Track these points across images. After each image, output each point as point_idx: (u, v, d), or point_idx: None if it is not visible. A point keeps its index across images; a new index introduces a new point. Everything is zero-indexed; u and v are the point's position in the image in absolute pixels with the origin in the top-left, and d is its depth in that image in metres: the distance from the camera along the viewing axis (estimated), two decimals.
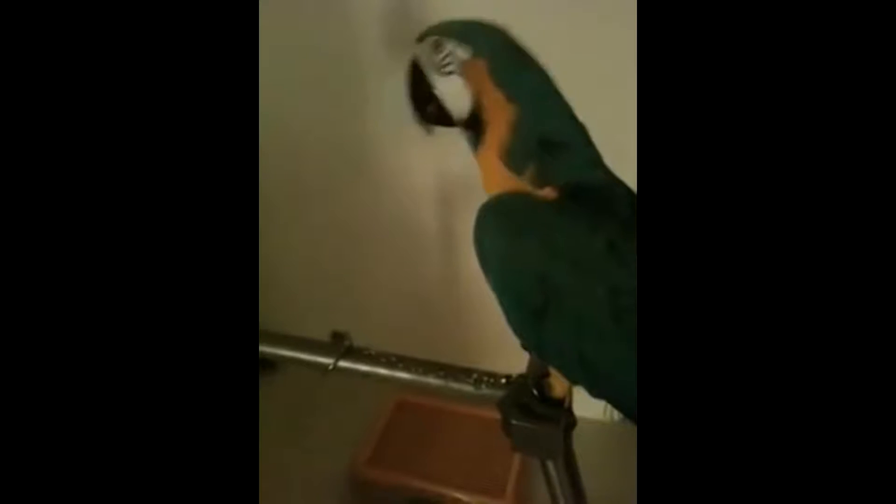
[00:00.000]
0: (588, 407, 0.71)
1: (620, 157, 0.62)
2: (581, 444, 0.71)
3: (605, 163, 0.60)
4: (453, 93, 0.59)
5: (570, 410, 0.67)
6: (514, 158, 0.57)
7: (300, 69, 1.44)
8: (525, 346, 0.62)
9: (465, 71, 0.58)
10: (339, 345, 0.77)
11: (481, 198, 0.58)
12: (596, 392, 0.57)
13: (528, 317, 0.55)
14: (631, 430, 0.54)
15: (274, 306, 1.50)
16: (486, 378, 0.72)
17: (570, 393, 0.68)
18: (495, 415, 0.69)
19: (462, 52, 0.57)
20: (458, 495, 1.35)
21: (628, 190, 0.59)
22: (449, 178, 1.47)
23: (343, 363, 0.76)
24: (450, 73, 0.58)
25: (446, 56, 0.58)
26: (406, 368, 0.75)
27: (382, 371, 0.76)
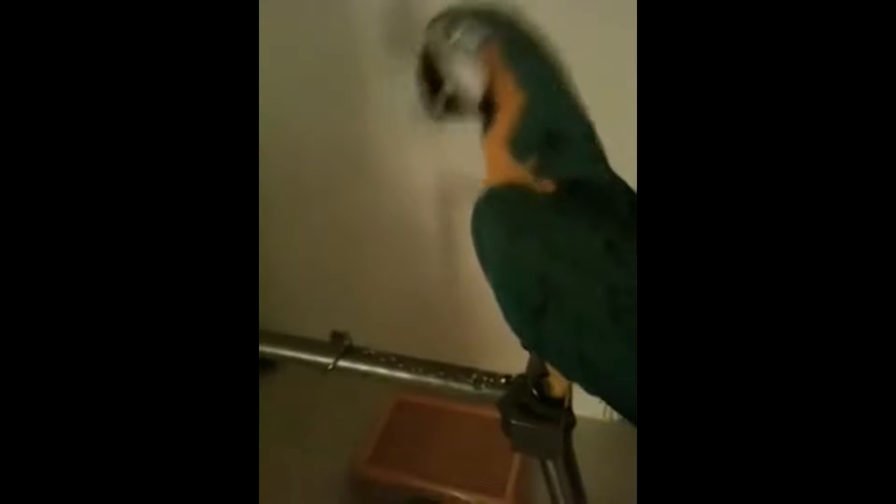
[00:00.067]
0: (588, 407, 0.71)
1: (620, 156, 0.62)
2: (581, 443, 0.71)
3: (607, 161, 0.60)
4: (465, 77, 0.58)
5: (569, 410, 0.67)
6: (518, 147, 0.57)
7: (300, 69, 1.44)
8: (525, 346, 0.62)
9: (477, 55, 0.57)
10: (339, 345, 0.77)
11: None
12: (594, 391, 0.57)
13: (526, 315, 0.55)
14: (631, 430, 0.54)
15: (274, 306, 1.50)
16: (485, 378, 0.72)
17: (569, 392, 0.68)
18: (495, 414, 0.69)
19: (475, 36, 0.57)
20: (458, 494, 1.35)
21: (628, 188, 0.59)
22: (449, 178, 1.47)
23: (343, 363, 0.76)
24: (462, 57, 0.57)
25: (459, 40, 0.57)
26: (406, 368, 0.75)
27: (382, 371, 0.76)
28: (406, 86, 1.39)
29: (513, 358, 0.74)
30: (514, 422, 0.66)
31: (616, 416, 0.60)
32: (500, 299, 0.57)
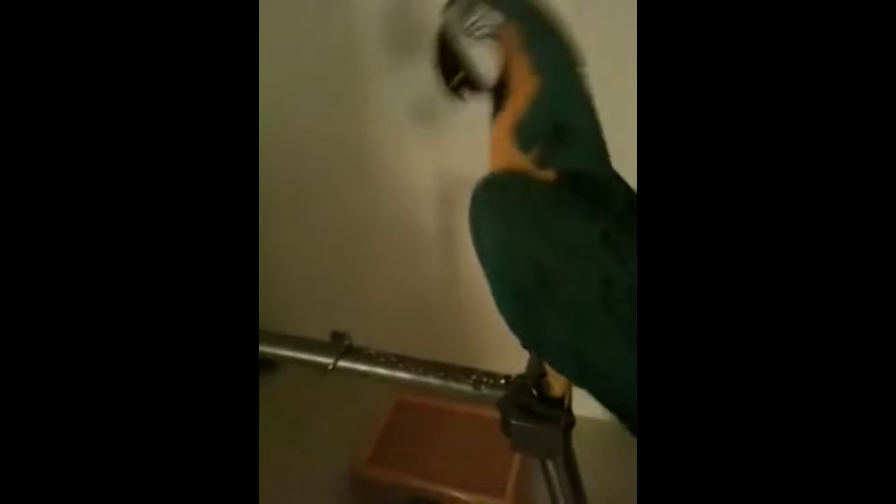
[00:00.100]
0: (588, 407, 0.71)
1: (621, 156, 0.62)
2: (581, 443, 0.71)
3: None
4: (482, 58, 0.58)
5: (569, 410, 0.67)
6: (523, 136, 0.57)
7: (300, 69, 1.44)
8: (524, 345, 0.62)
9: (493, 38, 0.56)
10: (339, 345, 0.77)
11: None
12: (585, 385, 0.58)
13: (520, 304, 0.55)
14: (631, 438, 0.54)
15: (274, 306, 1.50)
16: (485, 378, 0.72)
17: (569, 392, 0.68)
18: (495, 414, 0.69)
19: (494, 16, 0.56)
20: (458, 494, 1.35)
21: (627, 187, 0.59)
22: (449, 178, 1.47)
23: (343, 363, 0.76)
24: (481, 37, 0.57)
25: (477, 20, 0.57)
26: (406, 368, 0.75)
27: (382, 371, 0.76)
28: (406, 85, 1.40)
29: (513, 358, 0.74)
30: (513, 422, 0.66)
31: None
32: (494, 288, 0.57)
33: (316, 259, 1.76)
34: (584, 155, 0.57)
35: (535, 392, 0.68)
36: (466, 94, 0.61)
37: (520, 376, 0.71)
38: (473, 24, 0.57)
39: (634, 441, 0.52)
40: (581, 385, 0.59)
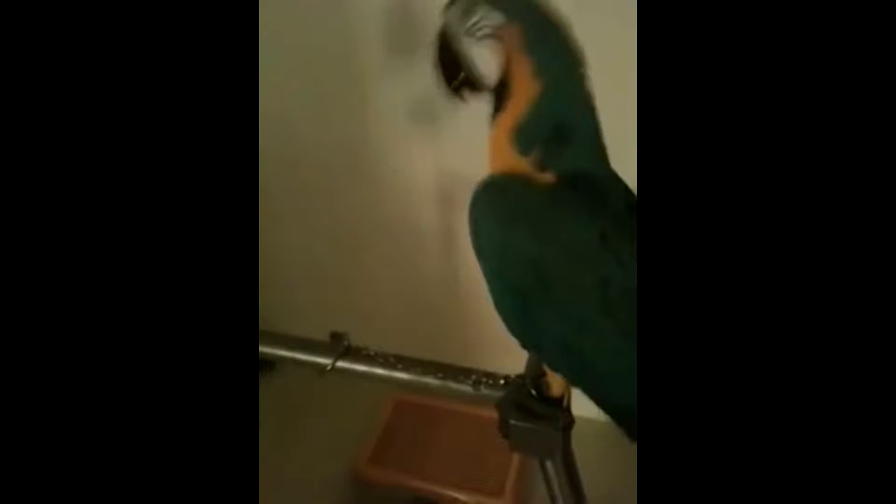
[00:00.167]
0: (587, 407, 0.71)
1: (621, 157, 0.62)
2: (581, 443, 0.71)
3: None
4: (483, 58, 0.57)
5: (568, 410, 0.68)
6: (523, 138, 0.56)
7: (300, 69, 1.44)
8: (524, 346, 0.62)
9: (497, 36, 0.56)
10: (338, 345, 0.77)
11: None
12: (583, 387, 0.58)
13: (518, 305, 0.55)
14: (629, 443, 0.54)
15: (274, 306, 1.50)
16: (484, 379, 0.72)
17: (568, 392, 0.68)
18: (495, 415, 0.69)
19: (496, 17, 0.55)
20: (458, 495, 1.35)
21: (626, 187, 0.59)
22: (449, 178, 1.47)
23: (341, 363, 0.76)
24: (482, 38, 0.56)
25: (479, 20, 0.56)
26: (405, 369, 0.75)
27: (381, 371, 0.76)
28: (406, 85, 1.40)
29: (513, 358, 0.74)
30: (512, 422, 0.66)
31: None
32: (493, 289, 0.57)
33: (316, 259, 1.75)
34: (584, 157, 0.57)
35: (534, 392, 0.68)
36: (467, 94, 0.60)
37: (519, 376, 0.71)
38: (474, 24, 0.56)
39: (632, 444, 0.52)
40: (578, 385, 0.59)
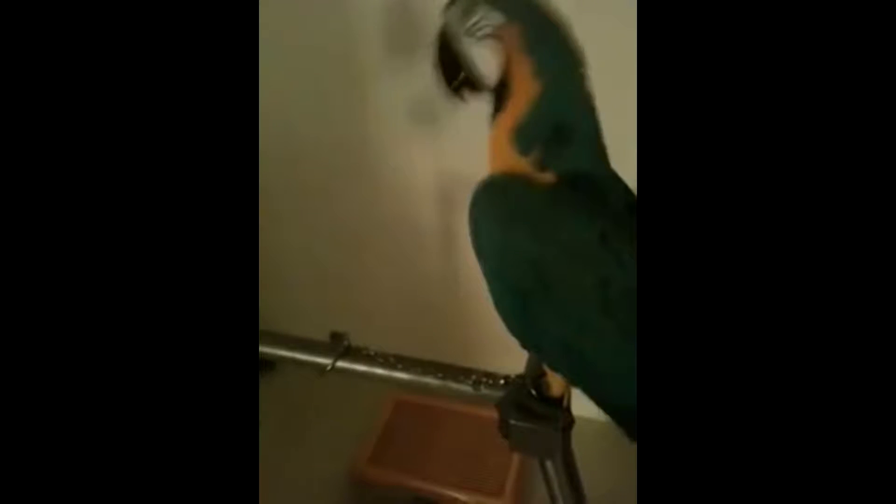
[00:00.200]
0: (587, 407, 0.71)
1: (621, 157, 0.62)
2: (580, 443, 0.71)
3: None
4: (483, 58, 0.57)
5: (568, 410, 0.67)
6: (522, 138, 0.56)
7: (300, 69, 1.44)
8: (524, 345, 0.62)
9: (497, 36, 0.56)
10: (338, 345, 0.77)
11: None
12: (583, 387, 0.58)
13: (518, 305, 0.55)
14: (629, 443, 0.54)
15: (274, 306, 1.50)
16: (484, 379, 0.72)
17: (568, 392, 0.68)
18: (495, 415, 0.69)
19: (496, 17, 0.55)
20: (457, 495, 1.35)
21: (626, 187, 0.59)
22: (449, 177, 1.47)
23: (341, 363, 0.76)
24: (482, 38, 0.56)
25: (479, 20, 0.56)
26: (405, 369, 0.75)
27: (381, 371, 0.76)
28: (406, 85, 1.39)
29: (513, 358, 0.74)
30: (512, 422, 0.66)
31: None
32: (493, 289, 0.57)
33: (316, 258, 1.75)
34: (584, 157, 0.57)
35: (534, 392, 0.68)
36: (467, 95, 0.60)
37: (519, 376, 0.71)
38: (474, 24, 0.56)
39: (632, 444, 0.52)
40: (578, 385, 0.59)
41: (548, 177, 0.55)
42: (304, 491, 1.49)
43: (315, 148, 1.55)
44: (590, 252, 0.52)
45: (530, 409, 0.67)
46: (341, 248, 1.71)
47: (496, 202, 0.55)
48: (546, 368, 0.65)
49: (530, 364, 0.71)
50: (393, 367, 0.75)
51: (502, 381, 0.71)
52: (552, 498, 0.71)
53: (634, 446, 0.46)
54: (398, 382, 0.76)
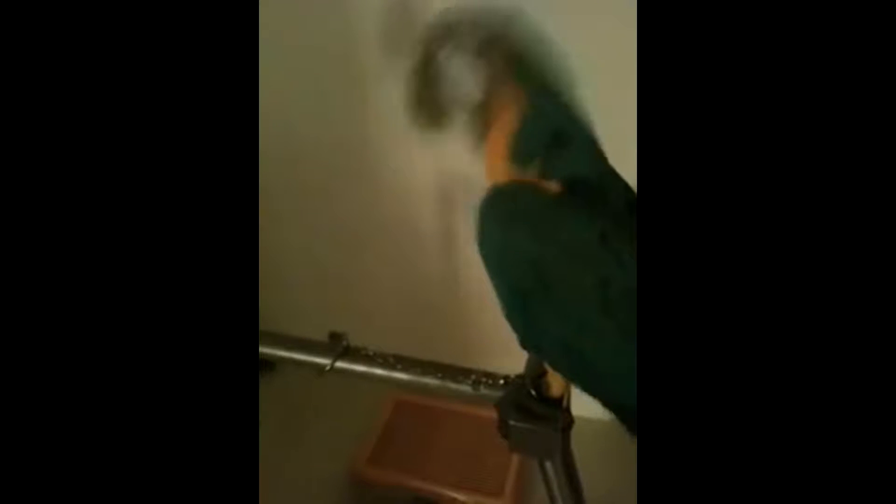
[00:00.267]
0: (587, 407, 0.71)
1: (621, 156, 0.62)
2: (580, 444, 0.71)
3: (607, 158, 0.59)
4: (465, 80, 0.57)
5: (567, 410, 0.67)
6: (520, 152, 0.56)
7: (300, 69, 1.44)
8: (523, 345, 0.62)
9: (479, 57, 0.55)
10: (337, 345, 0.77)
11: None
12: (582, 386, 0.58)
13: (519, 305, 0.55)
14: (630, 439, 0.54)
15: (274, 306, 1.50)
16: (484, 379, 0.72)
17: (567, 392, 0.68)
18: (494, 415, 0.69)
19: (472, 45, 0.55)
20: (457, 495, 1.35)
21: (627, 186, 0.59)
22: (449, 178, 1.47)
23: (341, 364, 0.76)
24: (463, 59, 0.56)
25: (460, 42, 0.56)
26: (404, 369, 0.75)
27: (380, 372, 0.76)
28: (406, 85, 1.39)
29: (512, 358, 0.74)
30: (511, 422, 0.66)
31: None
32: (497, 290, 0.57)
33: (316, 259, 1.75)
34: (583, 158, 0.57)
35: (533, 392, 0.68)
36: (451, 116, 0.60)
37: (518, 377, 0.71)
38: (452, 51, 0.56)
39: (634, 441, 0.52)
40: (578, 385, 0.59)
41: (553, 185, 0.55)
42: (304, 491, 1.49)
43: (315, 148, 1.55)
44: (589, 252, 0.52)
45: (530, 410, 0.67)
46: (341, 248, 1.71)
47: (499, 204, 0.55)
48: (547, 368, 0.65)
49: (530, 364, 0.71)
50: (392, 367, 0.75)
51: (502, 382, 0.71)
52: (551, 498, 0.70)
53: (634, 446, 0.46)
54: (397, 383, 0.76)
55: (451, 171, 1.45)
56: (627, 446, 0.56)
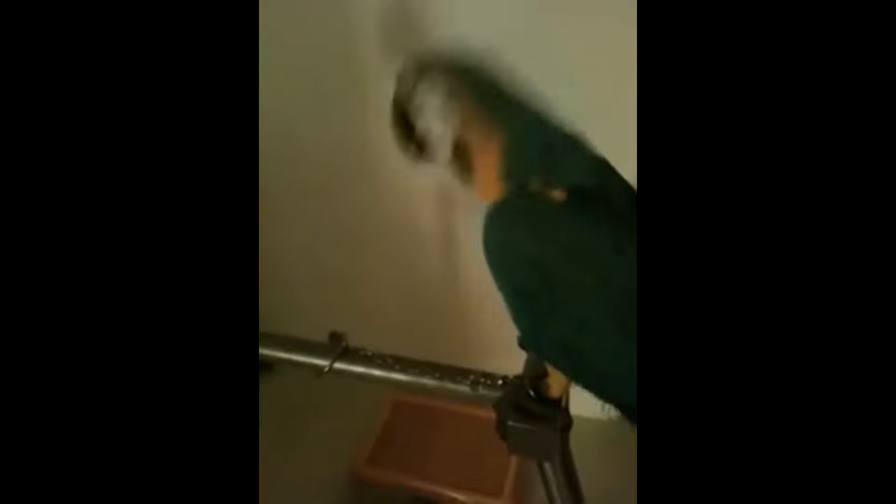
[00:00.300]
0: (586, 407, 0.71)
1: (621, 157, 0.62)
2: (579, 444, 0.71)
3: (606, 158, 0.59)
4: (436, 126, 0.58)
5: (566, 411, 0.67)
6: (513, 173, 0.57)
7: (300, 69, 1.44)
8: (521, 345, 0.62)
9: (447, 104, 0.57)
10: (336, 346, 0.77)
11: None
12: (583, 385, 0.58)
13: (522, 305, 0.55)
14: (630, 430, 0.54)
15: (274, 306, 1.50)
16: (482, 379, 0.72)
17: (566, 393, 0.68)
18: (493, 415, 0.69)
19: (443, 86, 0.56)
20: (456, 495, 1.35)
21: (627, 185, 0.59)
22: (449, 178, 1.47)
23: (339, 365, 0.76)
24: (432, 106, 0.58)
25: (427, 91, 0.57)
26: (403, 370, 0.75)
27: (379, 373, 0.76)
28: None
29: (512, 358, 0.74)
30: (510, 423, 0.66)
31: (614, 415, 0.60)
32: (503, 293, 0.57)
33: (316, 259, 1.76)
34: (578, 165, 0.57)
35: (532, 393, 0.68)
36: (425, 156, 0.61)
37: (517, 377, 0.71)
38: (424, 93, 0.57)
39: (633, 441, 0.52)
40: (579, 383, 0.59)
41: (558, 194, 0.55)
42: (304, 491, 1.49)
43: (315, 148, 1.55)
44: (590, 252, 0.52)
45: (528, 410, 0.67)
46: (341, 248, 1.71)
47: (502, 209, 0.56)
48: (549, 368, 0.65)
49: (529, 365, 0.71)
50: (391, 367, 0.75)
51: (500, 382, 0.71)
52: (550, 499, 0.70)
53: (633, 446, 0.46)
54: (395, 383, 0.76)
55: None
56: (627, 446, 0.56)
